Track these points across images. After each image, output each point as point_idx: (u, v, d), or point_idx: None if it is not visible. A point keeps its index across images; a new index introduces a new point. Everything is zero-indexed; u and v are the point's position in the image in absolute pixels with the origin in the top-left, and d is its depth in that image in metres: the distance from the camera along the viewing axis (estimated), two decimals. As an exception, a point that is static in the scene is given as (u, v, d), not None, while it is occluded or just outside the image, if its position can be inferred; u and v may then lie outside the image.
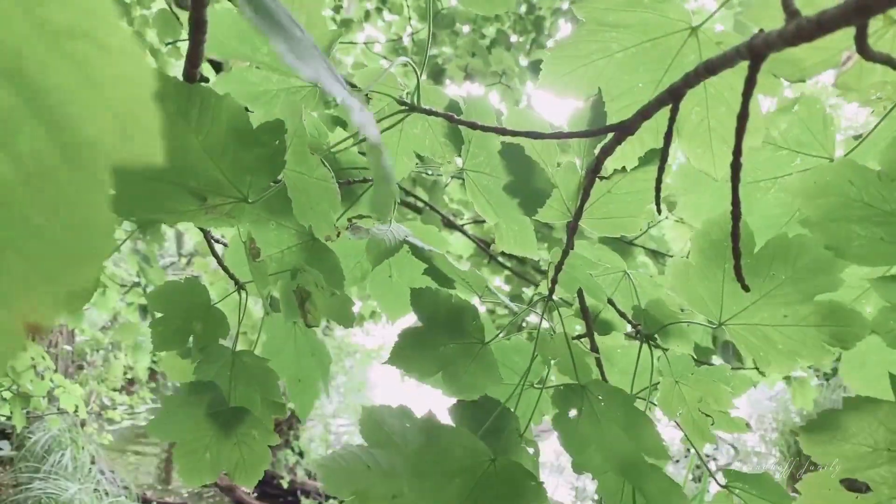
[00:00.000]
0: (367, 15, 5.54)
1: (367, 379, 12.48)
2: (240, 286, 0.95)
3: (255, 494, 8.11)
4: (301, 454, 9.16)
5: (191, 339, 0.96)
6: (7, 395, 4.77)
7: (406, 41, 5.34)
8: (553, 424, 0.96)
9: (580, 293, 1.06)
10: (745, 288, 0.71)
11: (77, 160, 0.26)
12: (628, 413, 0.90)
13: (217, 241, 1.00)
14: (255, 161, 0.72)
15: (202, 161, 0.71)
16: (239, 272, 0.96)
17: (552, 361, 0.96)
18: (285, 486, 7.99)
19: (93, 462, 7.26)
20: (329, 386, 1.16)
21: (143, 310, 5.04)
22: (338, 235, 0.84)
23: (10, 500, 6.44)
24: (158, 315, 0.93)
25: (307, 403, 1.12)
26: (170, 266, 7.70)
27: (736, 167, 0.59)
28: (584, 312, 1.08)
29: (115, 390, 8.51)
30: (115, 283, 4.76)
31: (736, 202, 0.62)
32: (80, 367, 8.97)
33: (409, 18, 5.38)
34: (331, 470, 0.99)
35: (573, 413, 0.94)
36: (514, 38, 5.19)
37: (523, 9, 5.22)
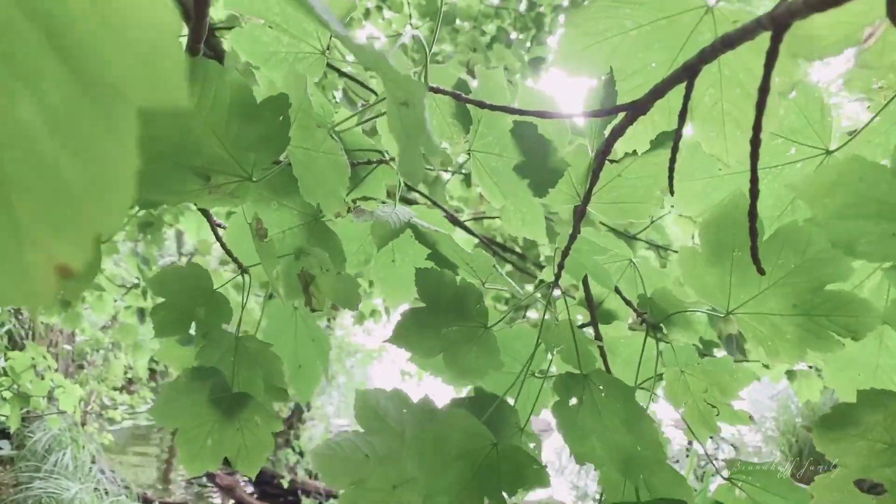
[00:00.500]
0: (368, 13, 5.53)
1: (367, 378, 12.46)
2: (243, 269, 0.94)
3: (256, 494, 8.10)
4: (301, 454, 9.14)
5: (193, 324, 0.95)
6: (7, 394, 4.76)
7: (406, 39, 5.32)
8: (553, 412, 0.94)
9: (585, 281, 1.05)
10: (761, 271, 0.70)
11: (102, 103, 0.26)
12: (627, 406, 0.89)
13: (220, 226, 0.99)
14: (259, 138, 0.71)
15: (205, 138, 0.69)
16: (239, 253, 0.95)
17: (555, 349, 0.95)
18: (286, 485, 7.97)
19: (93, 462, 7.25)
20: (329, 372, 1.15)
21: (141, 313, 5.03)
22: (348, 211, 0.83)
23: (11, 500, 6.43)
24: (160, 300, 0.92)
25: (308, 388, 1.12)
26: (170, 266, 7.69)
27: (755, 143, 0.58)
28: (589, 301, 1.07)
29: (115, 389, 8.50)
30: (114, 285, 4.75)
31: (754, 179, 0.61)
32: (81, 367, 8.96)
33: (410, 16, 5.37)
34: (327, 458, 0.97)
35: (573, 402, 0.92)
36: (514, 36, 5.18)
37: (523, 6, 5.21)
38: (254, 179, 0.75)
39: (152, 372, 9.84)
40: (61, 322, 4.37)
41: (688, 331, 0.99)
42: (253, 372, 0.93)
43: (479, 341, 0.94)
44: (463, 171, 4.11)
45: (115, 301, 4.87)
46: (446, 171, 4.13)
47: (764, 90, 0.55)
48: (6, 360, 4.64)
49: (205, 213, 0.94)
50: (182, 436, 0.91)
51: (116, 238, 4.44)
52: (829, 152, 0.93)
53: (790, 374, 4.16)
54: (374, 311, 5.69)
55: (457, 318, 0.94)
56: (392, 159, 0.98)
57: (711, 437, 1.10)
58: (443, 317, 0.94)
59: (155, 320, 0.92)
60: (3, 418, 6.75)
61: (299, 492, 7.96)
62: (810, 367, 4.13)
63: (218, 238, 0.94)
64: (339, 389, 11.54)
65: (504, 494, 0.93)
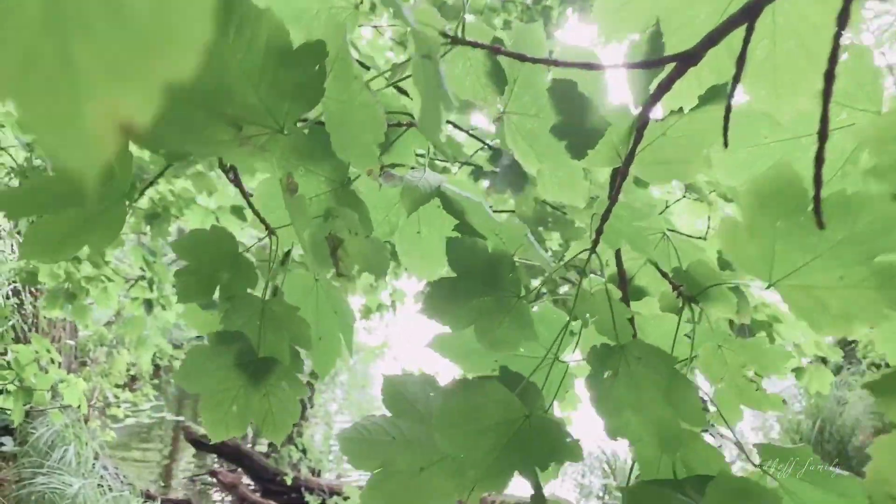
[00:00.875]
0: (374, 7, 5.50)
1: (369, 376, 12.45)
2: (271, 231, 0.91)
3: (259, 492, 8.08)
4: (304, 451, 9.12)
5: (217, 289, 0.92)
6: (11, 388, 4.73)
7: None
8: (586, 385, 0.91)
9: (618, 255, 1.02)
10: (821, 224, 0.66)
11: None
12: (669, 375, 0.85)
13: (244, 191, 0.96)
14: (294, 86, 0.68)
15: (239, 84, 0.67)
16: (267, 216, 0.92)
17: (590, 321, 0.92)
18: (289, 482, 7.94)
19: (96, 458, 7.23)
20: (352, 346, 1.12)
21: (148, 304, 5.01)
22: (381, 170, 0.80)
23: (13, 496, 6.41)
24: (184, 264, 0.89)
25: (328, 361, 1.09)
26: (172, 263, 7.65)
27: (829, 78, 0.55)
28: (621, 276, 1.04)
29: (118, 386, 8.48)
30: (120, 277, 4.72)
31: (825, 119, 0.58)
32: (84, 364, 8.93)
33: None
34: (353, 441, 0.95)
35: (608, 374, 0.89)
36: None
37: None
38: (285, 132, 0.72)
39: (156, 368, 9.83)
40: (69, 314, 4.34)
41: (724, 304, 0.96)
42: (279, 336, 0.90)
43: (513, 311, 0.91)
44: (471, 163, 4.08)
45: (121, 297, 4.84)
46: (455, 162, 4.10)
47: (843, 18, 0.52)
48: (12, 353, 4.61)
49: (233, 172, 0.91)
50: (207, 401, 0.88)
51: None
52: (880, 115, 0.89)
53: (798, 371, 4.10)
54: (381, 306, 5.66)
55: (489, 288, 0.91)
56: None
57: (713, 436, 1.06)
58: (474, 287, 0.92)
59: (178, 285, 0.89)
60: (5, 414, 6.73)
61: (303, 489, 7.92)
62: (812, 361, 4.07)
63: (246, 199, 0.91)
64: (341, 387, 11.53)
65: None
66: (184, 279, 0.89)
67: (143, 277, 4.86)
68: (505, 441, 0.86)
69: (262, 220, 0.90)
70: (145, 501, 6.89)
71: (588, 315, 0.90)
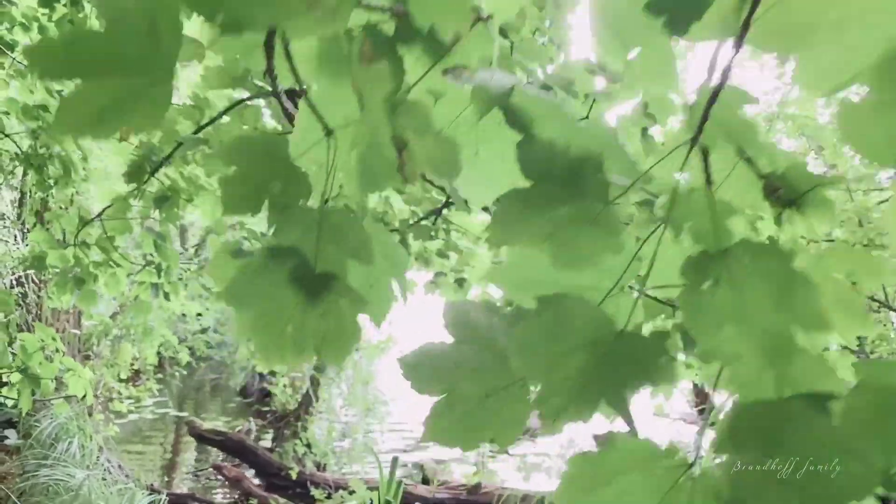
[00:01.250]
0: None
1: (373, 372, 12.40)
2: (328, 131, 0.81)
3: (264, 486, 8.02)
4: (309, 446, 9.07)
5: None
6: (15, 377, 4.66)
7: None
8: (680, 302, 0.82)
9: (706, 161, 0.92)
10: None
11: None
12: (784, 276, 0.75)
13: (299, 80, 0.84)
14: (375, -72, 0.59)
15: (313, -77, 0.58)
16: (328, 114, 0.82)
17: (686, 226, 0.82)
18: (294, 476, 7.88)
19: (100, 451, 7.17)
20: (406, 291, 1.03)
21: (156, 288, 4.94)
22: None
23: (17, 488, 6.34)
24: (230, 171, 0.80)
25: (382, 310, 0.99)
26: (182, 253, 7.58)
27: None
28: (709, 184, 0.94)
29: (121, 381, 8.42)
30: (127, 261, 4.63)
31: None
32: (87, 357, 8.86)
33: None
34: (416, 366, 0.88)
35: (708, 284, 0.80)
36: None
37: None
38: (361, -10, 0.63)
39: (159, 361, 9.74)
40: (77, 301, 4.26)
41: (824, 210, 0.87)
42: (339, 249, 0.80)
43: (598, 220, 0.81)
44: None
45: (127, 288, 4.76)
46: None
47: None
48: (19, 340, 4.54)
49: (286, 53, 0.80)
50: (256, 322, 0.78)
51: (131, 214, 4.33)
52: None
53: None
54: (391, 294, 5.56)
55: (570, 196, 0.81)
56: (490, 17, 0.85)
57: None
58: (553, 194, 0.82)
59: (224, 194, 0.79)
60: (8, 407, 6.67)
61: (308, 483, 7.85)
62: (844, 347, 4.01)
63: (303, 93, 0.80)
64: (346, 382, 11.49)
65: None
66: (230, 189, 0.79)
67: (150, 263, 4.79)
68: (594, 362, 0.77)
69: (320, 119, 0.80)
70: (150, 494, 6.82)
71: (682, 222, 0.80)
